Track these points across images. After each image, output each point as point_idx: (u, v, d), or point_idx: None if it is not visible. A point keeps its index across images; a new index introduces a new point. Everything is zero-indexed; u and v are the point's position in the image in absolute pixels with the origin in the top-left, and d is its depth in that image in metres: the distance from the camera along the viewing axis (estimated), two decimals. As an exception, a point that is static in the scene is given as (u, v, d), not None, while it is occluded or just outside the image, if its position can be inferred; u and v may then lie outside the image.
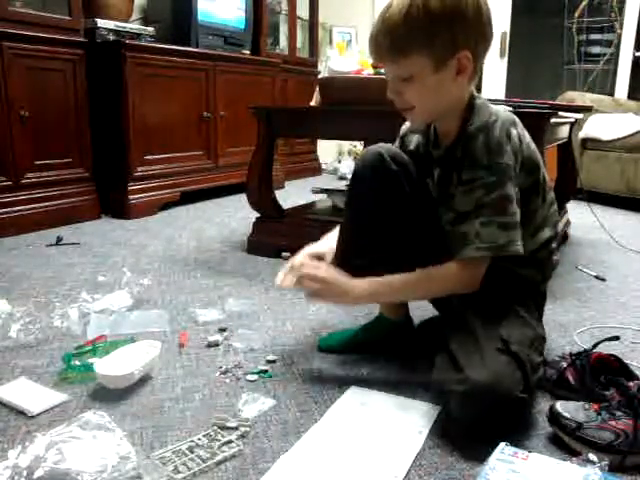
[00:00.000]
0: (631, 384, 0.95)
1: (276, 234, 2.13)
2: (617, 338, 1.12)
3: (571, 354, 1.11)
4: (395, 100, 1.08)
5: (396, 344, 1.31)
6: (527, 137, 1.09)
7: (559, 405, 0.97)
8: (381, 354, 1.28)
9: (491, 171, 1.00)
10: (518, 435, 0.95)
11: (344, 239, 1.23)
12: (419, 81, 1.02)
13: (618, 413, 0.92)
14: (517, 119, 1.10)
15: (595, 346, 1.09)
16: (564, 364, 1.08)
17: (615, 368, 1.07)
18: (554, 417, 0.96)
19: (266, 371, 1.21)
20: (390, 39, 0.99)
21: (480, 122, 1.04)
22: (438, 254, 1.08)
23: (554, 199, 1.17)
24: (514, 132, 1.04)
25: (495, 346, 0.97)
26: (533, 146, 1.11)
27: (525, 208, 1.05)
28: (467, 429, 0.97)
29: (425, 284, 1.08)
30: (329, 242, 1.24)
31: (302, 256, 1.17)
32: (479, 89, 4.42)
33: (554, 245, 1.17)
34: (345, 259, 1.20)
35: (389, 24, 0.99)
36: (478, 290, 1.05)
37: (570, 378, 1.05)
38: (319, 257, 1.19)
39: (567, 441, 0.94)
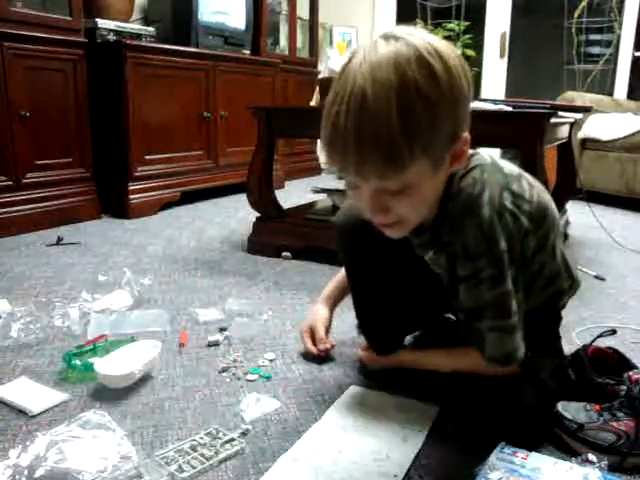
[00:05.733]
0: (631, 373, 0.95)
1: (276, 234, 2.13)
2: (614, 332, 1.13)
3: (571, 354, 1.11)
4: (377, 218, 0.83)
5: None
6: (526, 187, 0.92)
7: (560, 406, 0.97)
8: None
9: (490, 261, 0.86)
10: (518, 435, 0.95)
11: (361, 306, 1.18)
12: (415, 191, 0.77)
13: (619, 414, 0.92)
14: (510, 171, 0.91)
15: (593, 341, 1.09)
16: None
17: (614, 362, 1.07)
18: (555, 417, 0.96)
19: (266, 370, 1.21)
20: (382, 151, 0.70)
21: (464, 197, 0.84)
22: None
23: (565, 255, 1.05)
24: (507, 200, 0.86)
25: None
26: (536, 191, 0.94)
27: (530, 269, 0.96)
28: (468, 429, 0.97)
29: (458, 365, 1.03)
30: (320, 313, 1.27)
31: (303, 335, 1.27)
32: (478, 90, 4.42)
33: (569, 296, 1.10)
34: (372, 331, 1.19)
35: (376, 127, 0.69)
36: None
37: (570, 374, 1.05)
38: (312, 331, 1.25)
39: (568, 442, 0.94)
